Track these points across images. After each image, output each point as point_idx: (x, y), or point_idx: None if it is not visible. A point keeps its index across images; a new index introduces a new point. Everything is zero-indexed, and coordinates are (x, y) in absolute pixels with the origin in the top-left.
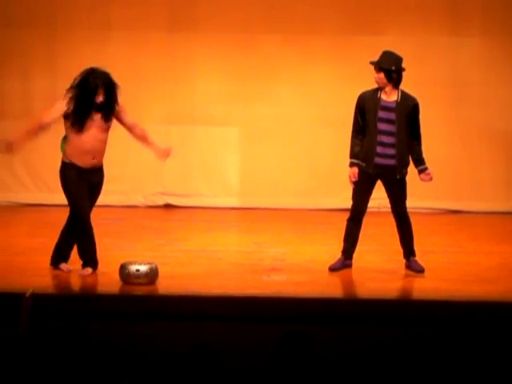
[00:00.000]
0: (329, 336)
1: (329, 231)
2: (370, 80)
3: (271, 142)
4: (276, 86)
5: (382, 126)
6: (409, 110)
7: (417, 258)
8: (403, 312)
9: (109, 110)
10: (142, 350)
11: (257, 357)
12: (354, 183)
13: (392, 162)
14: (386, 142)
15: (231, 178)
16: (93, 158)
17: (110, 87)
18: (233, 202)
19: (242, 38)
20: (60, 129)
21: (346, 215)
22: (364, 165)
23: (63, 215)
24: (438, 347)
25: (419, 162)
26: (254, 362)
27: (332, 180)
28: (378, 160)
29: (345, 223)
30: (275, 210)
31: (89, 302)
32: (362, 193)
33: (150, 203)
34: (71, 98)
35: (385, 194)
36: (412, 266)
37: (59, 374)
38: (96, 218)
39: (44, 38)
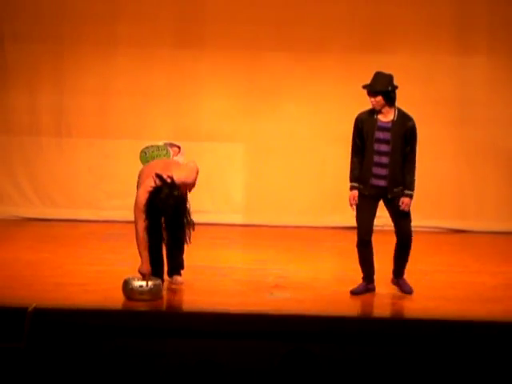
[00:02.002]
0: (332, 354)
1: (333, 249)
2: None
3: (277, 158)
4: (282, 103)
5: (378, 147)
6: (405, 130)
7: (405, 277)
8: (406, 331)
9: (173, 224)
10: (145, 367)
11: (260, 374)
12: (356, 206)
13: (383, 182)
14: (381, 163)
15: (236, 194)
16: None
17: (172, 209)
18: (237, 218)
19: (248, 55)
20: (65, 147)
21: (351, 233)
22: (361, 187)
23: (68, 230)
24: (442, 367)
25: (406, 185)
26: (258, 379)
27: (337, 198)
28: (373, 181)
29: (349, 241)
30: (280, 227)
31: (92, 317)
32: (364, 214)
33: None
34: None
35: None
36: (402, 286)
37: None
38: (100, 233)
39: (51, 54)
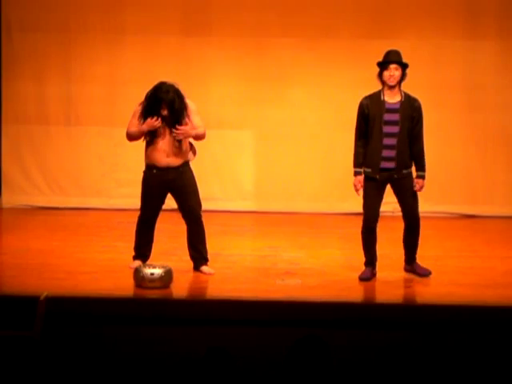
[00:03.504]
0: (343, 340)
1: (343, 235)
2: None
3: (285, 145)
4: (290, 89)
5: (387, 129)
6: (412, 110)
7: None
8: (417, 317)
9: (174, 122)
10: (156, 354)
11: (271, 360)
12: (364, 192)
13: (393, 164)
14: (390, 145)
15: (245, 181)
16: (167, 157)
17: (173, 100)
18: (247, 205)
19: (255, 41)
20: (74, 135)
21: (361, 219)
22: (370, 171)
23: (77, 218)
24: (453, 352)
25: (418, 167)
26: (268, 366)
27: (346, 184)
28: (383, 164)
29: (359, 227)
30: (289, 213)
31: (103, 305)
32: (372, 201)
33: (164, 206)
34: (141, 112)
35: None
36: (417, 269)
37: (73, 377)
38: (110, 221)
39: (58, 43)
